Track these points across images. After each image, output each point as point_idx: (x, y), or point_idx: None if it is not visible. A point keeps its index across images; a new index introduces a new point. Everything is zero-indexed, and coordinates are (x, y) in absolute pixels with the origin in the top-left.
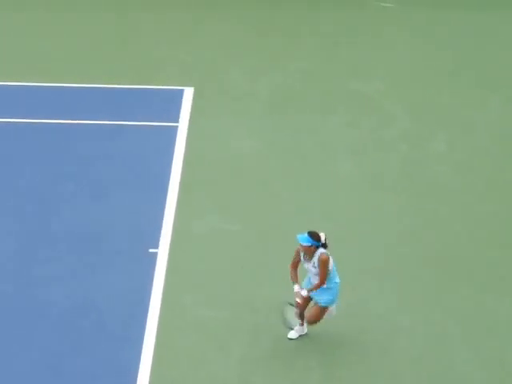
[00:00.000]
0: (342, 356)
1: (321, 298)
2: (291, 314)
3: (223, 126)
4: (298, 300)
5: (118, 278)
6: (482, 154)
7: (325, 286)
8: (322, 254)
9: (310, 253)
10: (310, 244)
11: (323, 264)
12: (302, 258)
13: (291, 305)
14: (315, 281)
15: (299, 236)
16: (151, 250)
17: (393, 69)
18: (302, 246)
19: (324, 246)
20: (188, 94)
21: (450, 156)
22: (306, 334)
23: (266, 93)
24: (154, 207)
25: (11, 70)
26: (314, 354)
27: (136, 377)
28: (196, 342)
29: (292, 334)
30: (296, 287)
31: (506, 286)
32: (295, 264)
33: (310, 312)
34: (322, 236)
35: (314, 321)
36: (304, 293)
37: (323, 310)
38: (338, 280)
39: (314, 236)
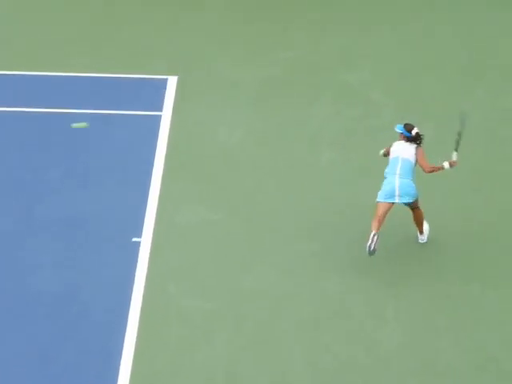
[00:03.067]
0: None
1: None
2: None
3: (208, 115)
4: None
5: (101, 268)
6: (469, 144)
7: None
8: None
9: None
10: (400, 131)
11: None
12: None
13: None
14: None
15: (398, 125)
16: (134, 239)
17: (380, 59)
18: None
19: (415, 139)
20: (172, 82)
21: (437, 145)
22: None
23: (251, 82)
24: (138, 196)
25: None
26: (297, 338)
27: (118, 366)
28: (179, 331)
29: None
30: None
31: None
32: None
33: (414, 213)
34: (415, 130)
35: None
36: (454, 157)
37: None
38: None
39: (406, 127)
